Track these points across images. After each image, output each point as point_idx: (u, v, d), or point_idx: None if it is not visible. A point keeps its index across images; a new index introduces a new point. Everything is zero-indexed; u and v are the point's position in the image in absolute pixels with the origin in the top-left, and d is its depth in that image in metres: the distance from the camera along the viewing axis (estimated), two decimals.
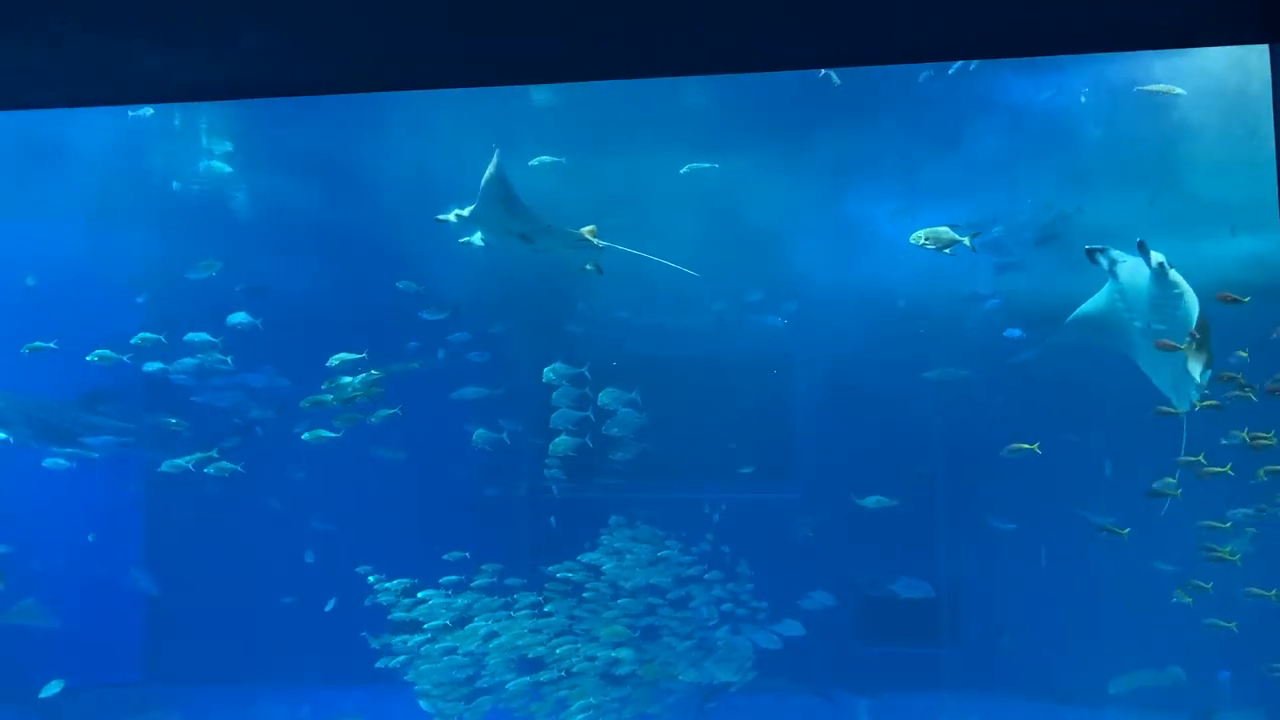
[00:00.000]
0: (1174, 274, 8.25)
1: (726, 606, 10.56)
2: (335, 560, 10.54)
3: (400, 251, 11.19)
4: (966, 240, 8.31)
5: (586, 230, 9.26)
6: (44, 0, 2.32)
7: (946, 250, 8.36)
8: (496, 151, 8.28)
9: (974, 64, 10.66)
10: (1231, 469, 8.58)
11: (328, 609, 10.30)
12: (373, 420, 10.12)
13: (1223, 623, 8.88)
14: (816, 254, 12.01)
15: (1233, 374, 8.32)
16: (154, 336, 10.29)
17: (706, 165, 11.03)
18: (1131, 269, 8.44)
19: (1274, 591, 8.69)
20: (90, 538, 11.38)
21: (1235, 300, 7.84)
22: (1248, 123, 9.95)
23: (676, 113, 11.67)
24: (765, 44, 2.39)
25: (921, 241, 8.34)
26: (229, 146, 12.24)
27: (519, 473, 11.52)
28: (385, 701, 10.17)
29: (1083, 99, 11.21)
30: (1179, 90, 9.92)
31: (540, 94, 11.41)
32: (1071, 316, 9.69)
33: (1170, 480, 8.80)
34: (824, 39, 2.32)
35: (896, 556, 11.08)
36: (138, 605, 11.89)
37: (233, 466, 10.22)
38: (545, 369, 10.30)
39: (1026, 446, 9.28)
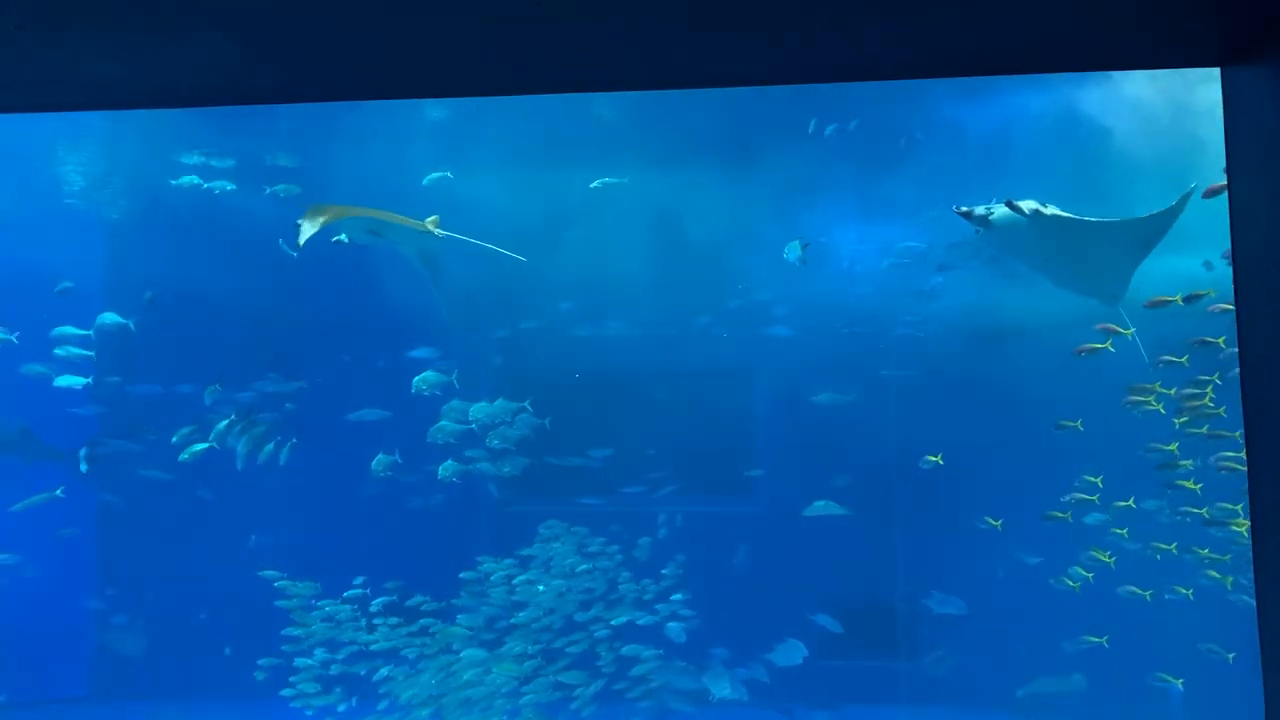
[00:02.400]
0: (1051, 210, 8.68)
1: (644, 620, 10.31)
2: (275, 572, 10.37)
3: (348, 263, 11.09)
4: (800, 252, 9.18)
5: (429, 221, 9.53)
6: None
7: (799, 262, 9.20)
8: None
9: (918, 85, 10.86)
10: (1134, 502, 9.05)
11: (226, 653, 10.00)
12: (281, 461, 10.29)
13: (1094, 638, 9.29)
14: (765, 269, 12.11)
15: (1148, 385, 8.62)
16: (5, 335, 10.29)
17: (616, 180, 11.19)
18: (1004, 215, 8.88)
19: (1149, 592, 9.03)
20: (67, 532, 11.03)
21: (1164, 302, 8.13)
22: (1178, 147, 10.27)
23: (631, 129, 11.73)
24: (720, 60, 2.42)
25: (786, 252, 9.28)
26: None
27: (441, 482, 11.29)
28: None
29: (1028, 121, 11.46)
30: None
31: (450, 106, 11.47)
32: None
33: (1083, 496, 9.15)
34: (776, 56, 2.36)
35: (841, 570, 11.15)
36: (83, 618, 11.56)
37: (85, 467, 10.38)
38: (415, 379, 10.25)
39: (934, 459, 9.63)
